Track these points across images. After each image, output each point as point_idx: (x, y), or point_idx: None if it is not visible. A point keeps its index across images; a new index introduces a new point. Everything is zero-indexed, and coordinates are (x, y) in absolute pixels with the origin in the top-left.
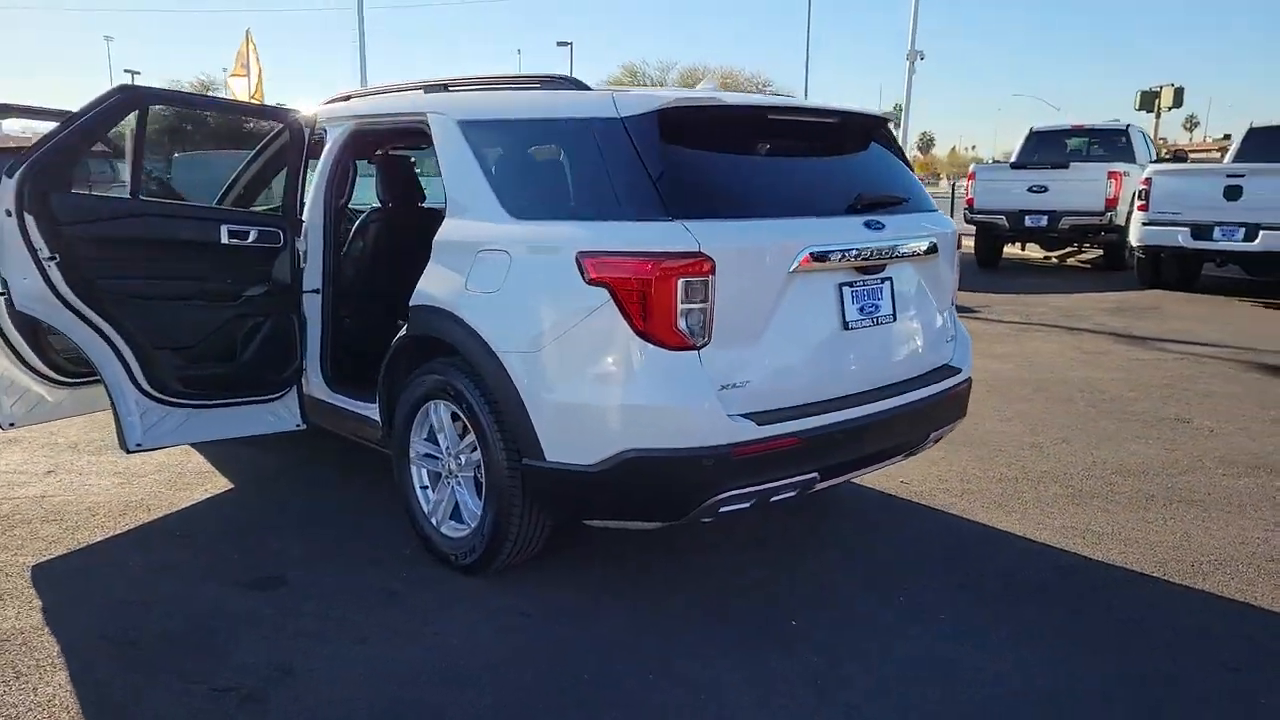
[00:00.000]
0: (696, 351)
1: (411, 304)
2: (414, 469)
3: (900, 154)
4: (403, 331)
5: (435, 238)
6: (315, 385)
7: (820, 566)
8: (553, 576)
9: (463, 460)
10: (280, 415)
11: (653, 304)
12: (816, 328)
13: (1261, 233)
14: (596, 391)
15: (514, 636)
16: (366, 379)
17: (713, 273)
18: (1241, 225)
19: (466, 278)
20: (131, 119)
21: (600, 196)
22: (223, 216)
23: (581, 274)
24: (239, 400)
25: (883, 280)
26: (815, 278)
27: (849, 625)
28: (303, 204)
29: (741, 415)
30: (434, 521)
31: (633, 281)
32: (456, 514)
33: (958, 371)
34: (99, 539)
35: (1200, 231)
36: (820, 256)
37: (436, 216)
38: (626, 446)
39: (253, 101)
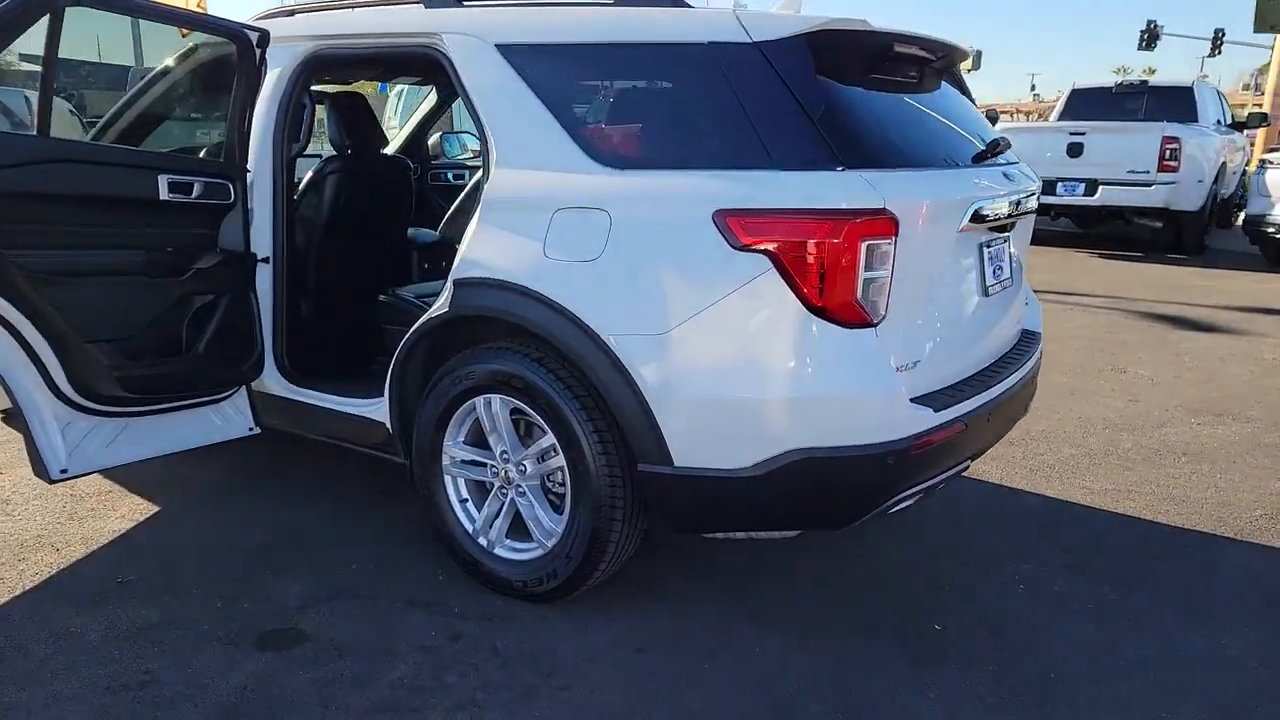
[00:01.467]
0: (874, 329)
1: (455, 277)
2: (449, 480)
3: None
4: (439, 310)
5: (484, 193)
6: (269, 379)
7: (919, 559)
8: (626, 595)
9: (528, 468)
10: (230, 419)
11: (832, 273)
12: (966, 295)
13: (1101, 188)
14: (753, 382)
15: (655, 678)
16: (339, 368)
17: (896, 234)
18: (1082, 181)
19: (544, 243)
20: (41, 26)
21: (737, 141)
22: (161, 164)
23: (726, 238)
24: (183, 403)
25: (1005, 239)
26: (968, 237)
27: (1001, 626)
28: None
29: (919, 402)
30: (483, 543)
31: (806, 246)
32: (517, 532)
33: (1038, 336)
34: (5, 599)
35: (1045, 187)
36: (979, 213)
37: (401, 166)
38: (793, 446)
39: (199, 11)
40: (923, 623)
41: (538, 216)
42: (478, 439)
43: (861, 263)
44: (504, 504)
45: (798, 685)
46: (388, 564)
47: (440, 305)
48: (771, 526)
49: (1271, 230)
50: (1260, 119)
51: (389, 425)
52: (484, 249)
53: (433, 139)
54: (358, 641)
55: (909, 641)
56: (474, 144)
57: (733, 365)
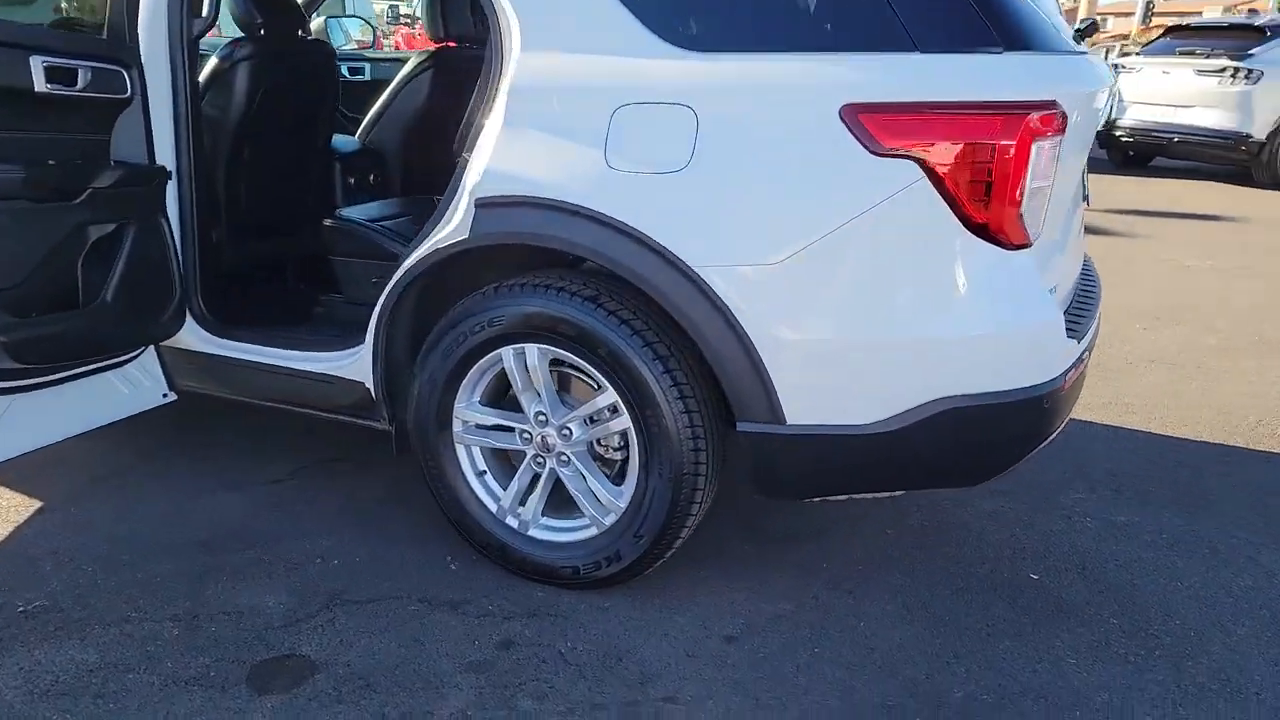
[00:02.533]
0: (1031, 250)
1: (479, 195)
2: (462, 450)
3: None
4: (451, 239)
5: (506, 83)
6: (185, 331)
7: (966, 498)
8: (678, 573)
9: (574, 431)
10: (139, 386)
11: (1000, 182)
12: (1074, 205)
13: None
14: (893, 320)
15: (765, 674)
16: (274, 312)
17: (1064, 132)
18: None
19: (604, 149)
20: None
21: (866, 13)
22: (32, 40)
23: (860, 140)
24: (82, 369)
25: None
26: (1088, 136)
27: (1091, 569)
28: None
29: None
30: (512, 523)
31: (970, 149)
32: (558, 509)
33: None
34: None
35: None
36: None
37: (326, 52)
38: (940, 395)
39: None
40: (1012, 572)
41: (592, 115)
42: (501, 399)
43: (1031, 168)
44: (541, 475)
45: (928, 665)
46: (374, 555)
47: (451, 232)
48: (895, 488)
49: (1119, 134)
50: (1090, 27)
51: (371, 386)
52: (516, 158)
53: (315, 23)
54: (385, 666)
55: (1011, 596)
56: (357, 32)
57: (867, 301)
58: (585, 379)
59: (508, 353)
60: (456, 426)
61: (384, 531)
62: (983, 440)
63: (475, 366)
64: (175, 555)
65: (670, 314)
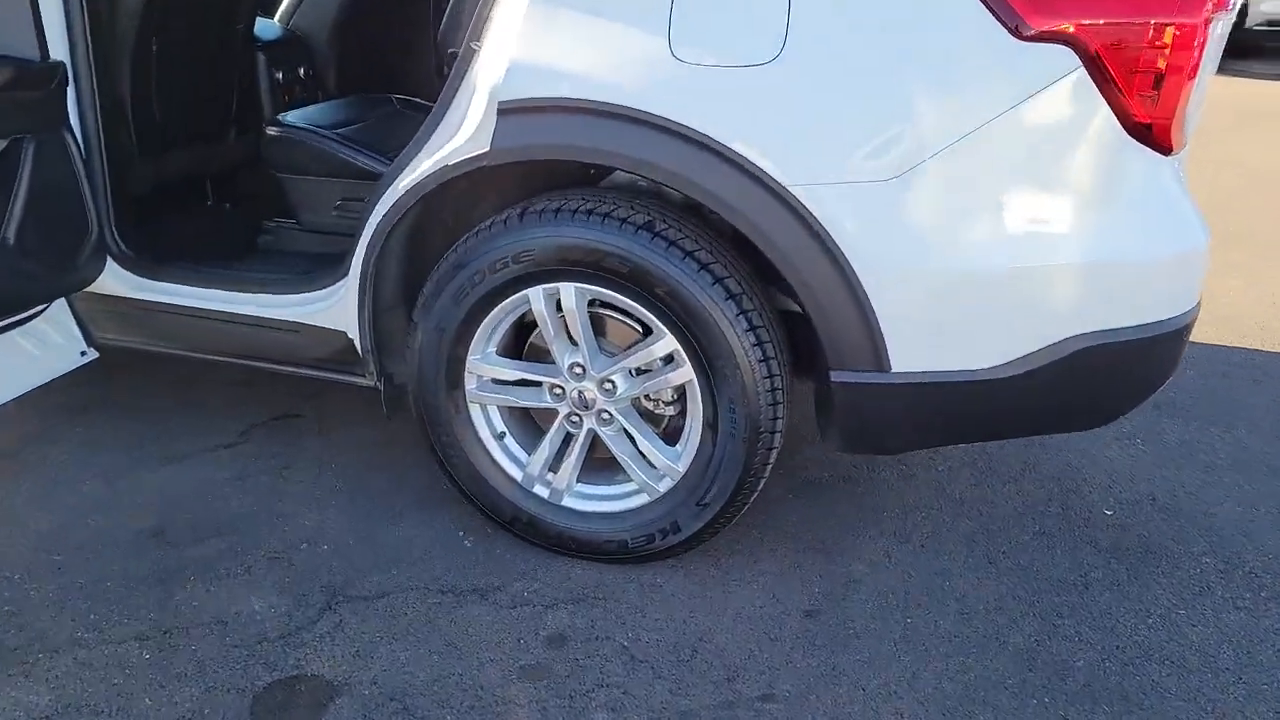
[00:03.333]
0: (1177, 156)
1: (503, 98)
2: (476, 410)
3: None
4: (466, 152)
5: None
6: (105, 273)
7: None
8: (730, 539)
9: (617, 385)
10: (50, 345)
11: (1176, 71)
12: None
13: None
14: (1032, 244)
15: (863, 656)
16: (205, 246)
17: (1228, 8)
18: None
19: (667, 35)
20: None
21: None
22: None
23: (1002, 18)
24: None
25: None
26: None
27: (1162, 500)
28: None
29: None
30: (542, 492)
31: (1145, 31)
32: (594, 472)
33: None
34: None
35: None
36: None
37: None
38: (1076, 332)
39: None
40: (1085, 510)
41: None
42: (521, 348)
43: (1205, 54)
44: (577, 437)
45: (1035, 629)
46: (371, 536)
47: (465, 144)
48: (1009, 435)
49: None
50: None
51: (355, 336)
52: (551, 48)
53: None
54: (420, 681)
55: (1092, 539)
56: None
57: (998, 222)
58: (627, 322)
59: (537, 294)
60: (470, 383)
61: (376, 504)
62: (1115, 380)
63: (493, 312)
64: (122, 552)
65: (757, 243)
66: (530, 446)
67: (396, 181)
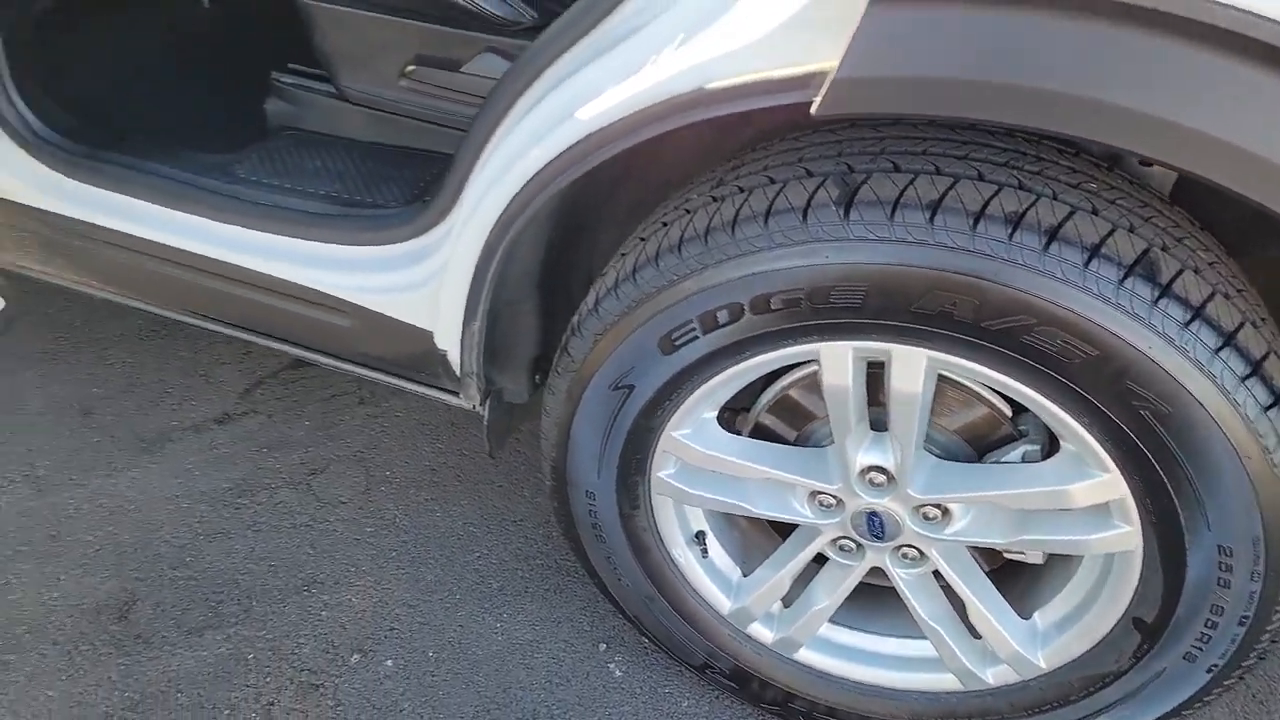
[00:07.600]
0: None
1: (853, 70)
2: (668, 505)
3: None
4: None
5: None
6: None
7: None
8: None
9: (953, 516)
10: None
11: None
12: None
13: None
14: None
15: None
16: (190, 127)
17: None
18: None
19: None
20: None
21: None
22: None
23: None
24: None
25: None
26: None
27: None
28: None
29: None
30: (762, 633)
31: None
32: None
33: None
34: None
35: None
36: None
37: None
38: None
39: None
40: None
41: None
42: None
43: None
44: (849, 572)
45: None
46: (461, 625)
47: (765, 55)
48: None
49: None
50: None
51: (450, 348)
52: None
53: None
54: None
55: None
56: None
57: None
58: (986, 396)
59: (839, 353)
60: (666, 468)
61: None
62: None
63: (725, 372)
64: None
65: None
66: (744, 559)
67: (568, 104)
